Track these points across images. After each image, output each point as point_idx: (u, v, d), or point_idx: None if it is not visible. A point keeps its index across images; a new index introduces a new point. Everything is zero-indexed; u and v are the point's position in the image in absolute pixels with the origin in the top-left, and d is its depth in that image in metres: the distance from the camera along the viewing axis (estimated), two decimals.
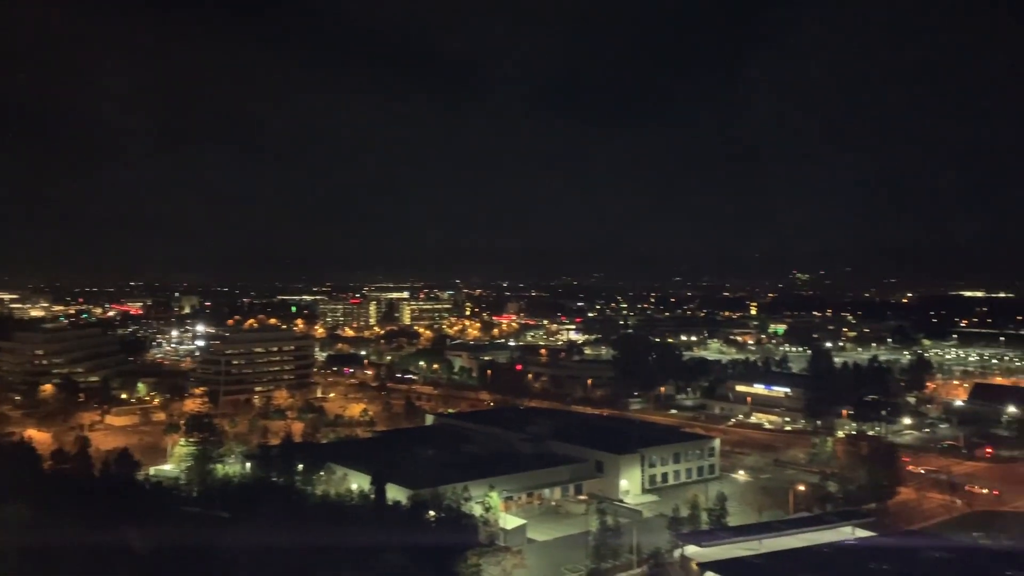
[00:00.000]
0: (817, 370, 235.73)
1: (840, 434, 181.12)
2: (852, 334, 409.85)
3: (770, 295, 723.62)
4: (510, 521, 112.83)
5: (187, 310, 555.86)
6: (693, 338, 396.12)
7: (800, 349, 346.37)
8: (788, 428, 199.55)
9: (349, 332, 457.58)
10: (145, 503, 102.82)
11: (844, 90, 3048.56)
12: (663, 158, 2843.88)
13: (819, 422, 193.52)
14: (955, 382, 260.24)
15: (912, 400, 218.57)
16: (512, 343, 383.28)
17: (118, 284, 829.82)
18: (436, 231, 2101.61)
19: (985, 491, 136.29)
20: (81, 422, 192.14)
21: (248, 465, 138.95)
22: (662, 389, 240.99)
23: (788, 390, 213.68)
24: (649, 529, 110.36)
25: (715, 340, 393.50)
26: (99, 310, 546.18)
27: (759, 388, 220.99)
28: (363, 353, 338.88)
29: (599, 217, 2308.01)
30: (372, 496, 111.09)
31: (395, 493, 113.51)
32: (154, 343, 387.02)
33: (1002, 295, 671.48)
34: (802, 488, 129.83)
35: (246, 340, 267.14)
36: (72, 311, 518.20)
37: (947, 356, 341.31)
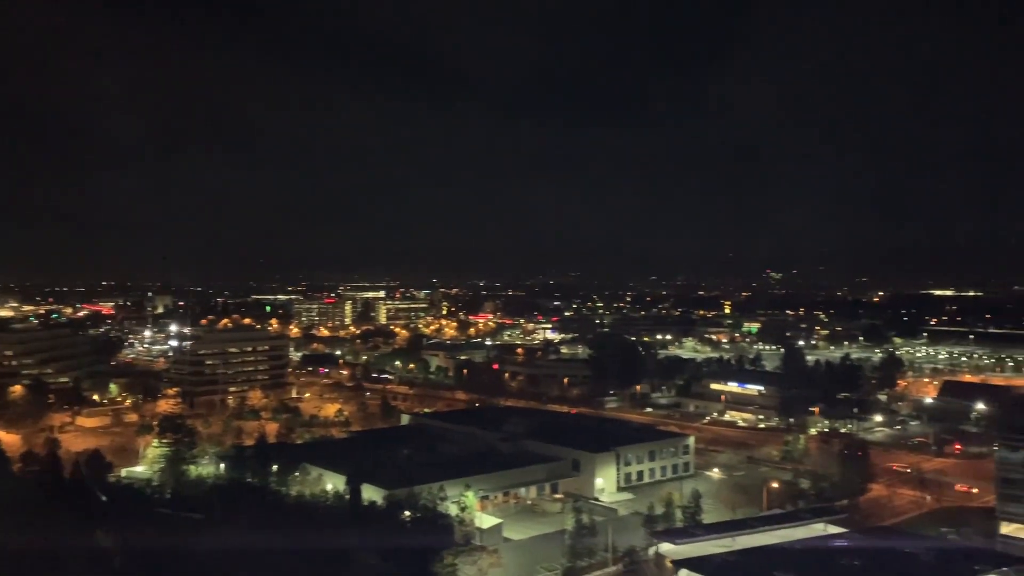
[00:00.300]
0: (790, 368, 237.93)
1: (812, 431, 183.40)
2: (824, 332, 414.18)
3: (744, 294, 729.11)
4: (486, 520, 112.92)
5: (160, 310, 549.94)
6: (668, 337, 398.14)
7: (773, 347, 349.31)
8: (762, 426, 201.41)
9: (324, 332, 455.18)
10: (117, 505, 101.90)
11: (817, 89, 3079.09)
12: (640, 158, 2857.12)
13: (792, 419, 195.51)
14: (925, 379, 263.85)
15: (883, 397, 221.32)
16: (488, 342, 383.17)
17: (89, 283, 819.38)
18: (412, 230, 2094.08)
19: (976, 490, 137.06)
20: (51, 424, 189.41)
21: (222, 466, 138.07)
22: (638, 388, 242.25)
23: (761, 388, 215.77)
24: (624, 527, 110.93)
25: (690, 339, 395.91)
26: (70, 310, 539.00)
27: (733, 386, 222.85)
28: (338, 353, 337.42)
29: (576, 217, 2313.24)
30: (347, 497, 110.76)
31: (370, 493, 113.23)
32: (126, 343, 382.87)
33: (971, 294, 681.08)
34: (775, 485, 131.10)
35: (220, 340, 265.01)
36: (42, 311, 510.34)
37: (917, 354, 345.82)
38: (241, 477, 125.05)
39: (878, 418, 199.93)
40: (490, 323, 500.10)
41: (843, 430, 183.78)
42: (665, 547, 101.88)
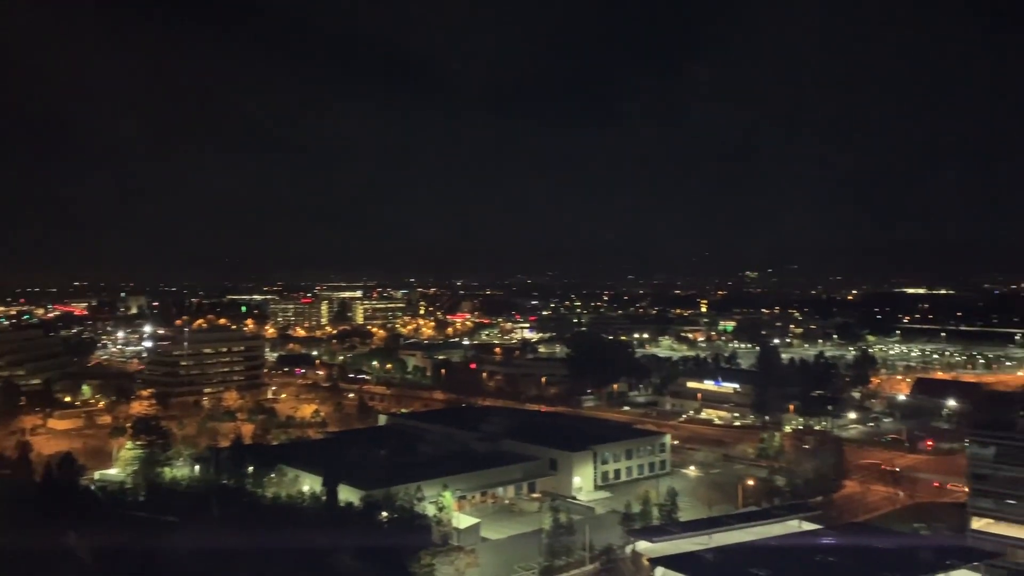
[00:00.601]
0: (765, 366, 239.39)
1: (788, 429, 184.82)
2: (799, 330, 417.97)
3: (720, 293, 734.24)
4: (463, 520, 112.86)
5: (134, 310, 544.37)
6: (645, 335, 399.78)
7: (749, 346, 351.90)
8: (737, 423, 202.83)
9: (300, 332, 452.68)
10: (89, 508, 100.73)
11: (794, 89, 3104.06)
12: (618, 159, 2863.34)
13: (767, 417, 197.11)
14: (898, 377, 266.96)
15: (857, 395, 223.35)
16: (466, 342, 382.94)
17: (62, 284, 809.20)
18: (389, 230, 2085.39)
19: (950, 486, 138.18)
20: (22, 426, 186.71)
21: (197, 468, 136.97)
22: (615, 386, 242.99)
23: (737, 386, 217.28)
24: (601, 526, 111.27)
25: (667, 337, 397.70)
26: (41, 311, 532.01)
27: (709, 384, 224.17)
28: (315, 353, 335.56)
29: (553, 216, 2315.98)
30: (324, 498, 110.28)
31: (347, 494, 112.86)
32: (99, 344, 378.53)
33: (943, 292, 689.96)
34: (751, 482, 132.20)
35: (195, 341, 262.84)
36: (13, 312, 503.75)
37: (891, 351, 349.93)
38: (216, 479, 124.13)
39: (852, 415, 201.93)
40: (468, 323, 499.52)
41: (818, 427, 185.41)
42: (642, 545, 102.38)
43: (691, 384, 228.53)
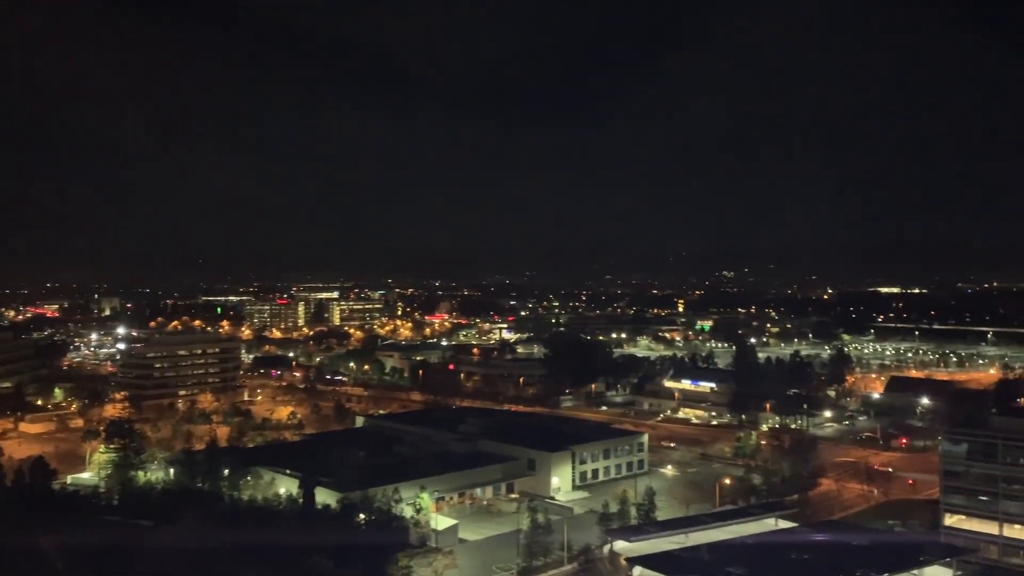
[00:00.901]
0: (742, 365, 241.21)
1: (764, 428, 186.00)
2: (775, 330, 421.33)
3: (697, 292, 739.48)
4: (441, 522, 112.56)
5: (107, 312, 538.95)
6: (623, 335, 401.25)
7: (726, 345, 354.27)
8: (714, 422, 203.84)
9: (277, 333, 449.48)
10: (62, 512, 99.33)
11: (765, 87, 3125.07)
12: (595, 158, 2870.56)
13: (744, 416, 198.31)
14: (873, 375, 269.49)
15: (832, 393, 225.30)
16: (444, 343, 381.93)
17: (33, 286, 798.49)
18: (367, 231, 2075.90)
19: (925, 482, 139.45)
20: None
21: (172, 471, 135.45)
22: (593, 386, 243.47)
23: (714, 385, 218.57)
24: (579, 526, 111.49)
25: (644, 337, 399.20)
26: (12, 313, 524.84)
27: (686, 384, 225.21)
28: (291, 355, 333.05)
29: (531, 216, 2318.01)
30: (300, 500, 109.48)
31: (324, 496, 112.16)
32: (72, 347, 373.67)
33: (916, 291, 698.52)
34: (728, 481, 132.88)
35: (169, 343, 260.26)
36: None
37: (865, 350, 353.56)
38: (191, 482, 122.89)
39: (827, 414, 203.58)
40: (446, 323, 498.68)
41: (793, 426, 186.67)
42: (619, 545, 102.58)
43: (668, 383, 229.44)
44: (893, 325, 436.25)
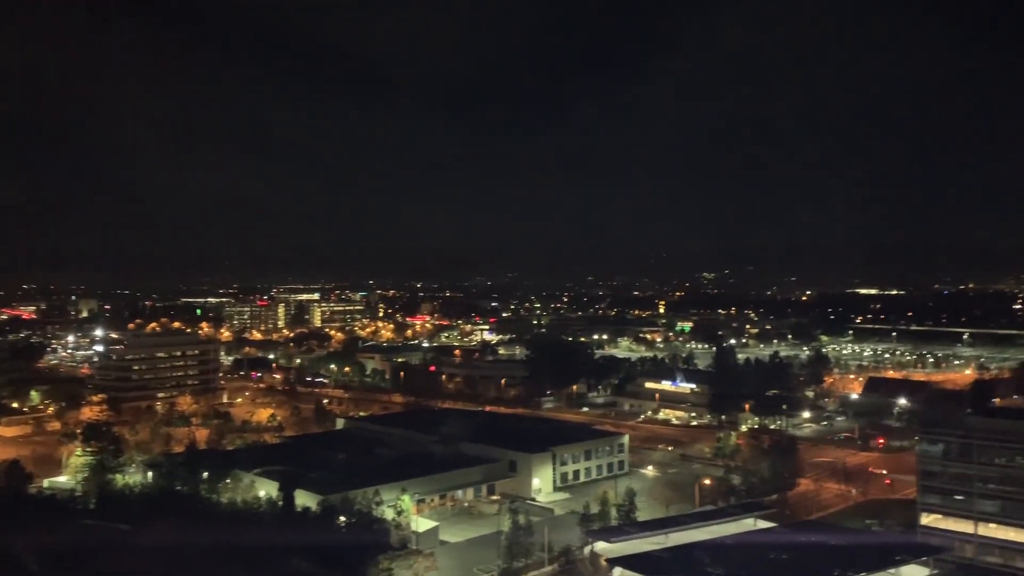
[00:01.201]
0: (721, 366, 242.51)
1: (743, 428, 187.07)
2: (755, 331, 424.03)
3: (678, 294, 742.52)
4: (422, 524, 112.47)
5: (85, 314, 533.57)
6: (604, 336, 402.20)
7: (706, 346, 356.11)
8: (694, 423, 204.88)
9: (257, 335, 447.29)
10: (37, 516, 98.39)
11: (749, 85, 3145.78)
12: (576, 160, 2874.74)
13: (723, 417, 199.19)
14: (851, 376, 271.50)
15: (811, 394, 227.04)
16: (426, 344, 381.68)
17: (9, 287, 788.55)
18: (347, 232, 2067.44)
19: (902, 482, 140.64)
20: None
21: (150, 474, 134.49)
22: (574, 388, 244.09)
23: (694, 386, 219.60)
24: (560, 527, 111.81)
25: (625, 338, 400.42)
26: None
27: (667, 385, 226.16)
28: (271, 356, 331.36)
29: (512, 218, 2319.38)
30: (280, 503, 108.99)
31: (304, 499, 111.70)
32: (49, 349, 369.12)
33: (894, 292, 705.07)
34: (707, 482, 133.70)
35: (148, 344, 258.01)
36: None
37: (843, 351, 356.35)
38: (170, 485, 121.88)
39: (806, 414, 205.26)
40: (427, 325, 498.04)
41: (773, 426, 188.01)
42: (600, 546, 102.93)
43: (649, 384, 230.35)
44: (871, 326, 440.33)
